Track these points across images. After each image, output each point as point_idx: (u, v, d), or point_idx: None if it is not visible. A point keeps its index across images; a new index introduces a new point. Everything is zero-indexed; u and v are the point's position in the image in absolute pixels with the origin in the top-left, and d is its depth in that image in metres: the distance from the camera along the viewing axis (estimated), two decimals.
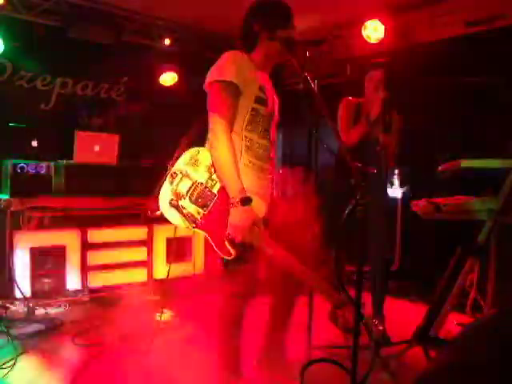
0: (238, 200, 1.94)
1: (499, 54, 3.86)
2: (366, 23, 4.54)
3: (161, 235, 4.05)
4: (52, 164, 3.68)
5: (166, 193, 2.07)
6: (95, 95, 5.36)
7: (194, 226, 2.05)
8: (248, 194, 1.98)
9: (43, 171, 3.62)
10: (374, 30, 4.54)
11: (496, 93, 3.81)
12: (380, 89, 3.04)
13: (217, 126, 2.00)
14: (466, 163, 2.74)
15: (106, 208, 3.84)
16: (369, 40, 4.58)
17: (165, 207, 2.07)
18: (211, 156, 2.05)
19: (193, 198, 2.06)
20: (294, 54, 2.10)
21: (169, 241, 4.11)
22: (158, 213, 2.13)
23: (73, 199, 3.71)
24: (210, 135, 2.05)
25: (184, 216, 2.04)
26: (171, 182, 2.07)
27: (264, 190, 2.17)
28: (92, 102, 5.22)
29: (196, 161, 2.09)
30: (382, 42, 4.54)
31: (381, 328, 3.03)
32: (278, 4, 2.20)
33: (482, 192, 2.86)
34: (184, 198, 2.06)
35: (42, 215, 3.62)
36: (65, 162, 3.78)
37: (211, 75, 2.08)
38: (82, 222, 3.75)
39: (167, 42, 5.19)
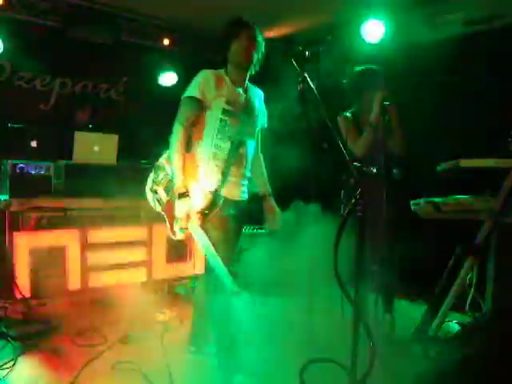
0: (176, 194, 2.35)
1: (498, 53, 3.86)
2: (365, 23, 4.54)
3: (160, 235, 4.04)
4: (51, 164, 3.68)
5: (150, 180, 2.61)
6: (95, 95, 5.37)
7: (161, 209, 2.54)
8: (184, 190, 2.34)
9: (43, 171, 3.61)
10: (373, 30, 4.55)
11: (495, 92, 3.81)
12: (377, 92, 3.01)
13: (174, 133, 2.44)
14: (465, 163, 2.75)
15: (106, 208, 3.84)
16: (368, 39, 4.58)
17: (148, 191, 2.61)
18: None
19: (163, 187, 2.54)
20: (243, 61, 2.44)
21: (169, 241, 4.11)
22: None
23: (72, 199, 3.70)
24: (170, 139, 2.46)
25: (157, 200, 2.55)
26: (154, 172, 2.60)
27: (228, 189, 2.44)
28: (91, 102, 5.22)
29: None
30: (381, 41, 4.55)
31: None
32: (224, 29, 2.50)
33: (481, 191, 2.86)
34: (160, 186, 2.55)
35: (41, 216, 3.61)
36: (64, 162, 3.78)
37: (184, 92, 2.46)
38: (82, 223, 3.74)
39: (166, 42, 5.20)
